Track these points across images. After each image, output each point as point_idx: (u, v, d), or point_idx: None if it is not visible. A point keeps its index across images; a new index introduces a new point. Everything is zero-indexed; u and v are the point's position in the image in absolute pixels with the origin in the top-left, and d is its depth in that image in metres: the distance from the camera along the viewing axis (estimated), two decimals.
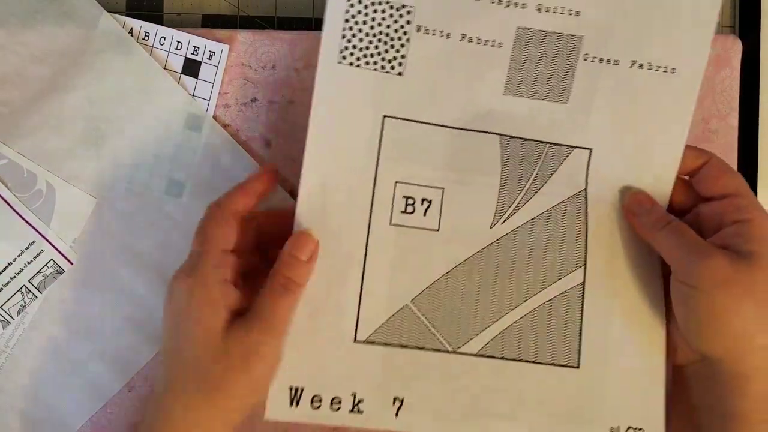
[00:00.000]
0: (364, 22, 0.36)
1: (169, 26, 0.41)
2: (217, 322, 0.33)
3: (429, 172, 0.37)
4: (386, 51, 0.36)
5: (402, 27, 0.36)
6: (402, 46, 0.36)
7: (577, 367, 0.37)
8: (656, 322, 0.38)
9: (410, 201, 0.37)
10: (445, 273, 0.37)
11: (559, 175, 0.38)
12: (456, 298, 0.37)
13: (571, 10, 0.36)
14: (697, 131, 0.41)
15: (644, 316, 0.38)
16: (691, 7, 0.37)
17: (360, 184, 0.37)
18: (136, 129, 0.41)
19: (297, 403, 0.36)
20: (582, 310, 0.37)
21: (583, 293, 0.37)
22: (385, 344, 0.36)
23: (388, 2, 0.36)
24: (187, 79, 0.41)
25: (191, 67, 0.41)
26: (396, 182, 0.37)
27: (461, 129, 0.37)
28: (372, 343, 0.36)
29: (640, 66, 0.37)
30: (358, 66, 0.36)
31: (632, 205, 0.38)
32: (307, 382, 0.36)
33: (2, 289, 0.41)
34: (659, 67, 0.37)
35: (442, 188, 0.37)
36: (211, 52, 0.41)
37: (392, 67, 0.36)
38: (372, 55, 0.36)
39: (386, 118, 0.37)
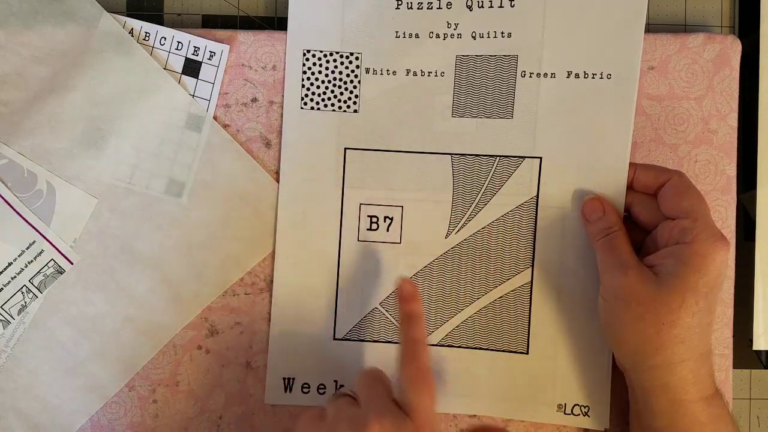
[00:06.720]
0: (320, 72, 0.41)
1: (169, 26, 0.41)
2: None
3: (389, 193, 0.41)
4: (341, 93, 0.41)
5: (353, 71, 0.41)
6: (355, 87, 0.41)
7: (527, 353, 0.41)
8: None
9: (374, 219, 0.42)
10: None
11: (511, 184, 0.41)
12: None
13: (503, 33, 0.40)
14: (697, 131, 0.41)
15: (589, 312, 0.40)
16: (617, 13, 0.39)
17: (329, 209, 0.41)
18: (136, 129, 0.41)
19: (290, 390, 0.42)
20: (530, 305, 0.41)
21: (531, 290, 0.41)
22: (360, 340, 0.42)
23: (338, 52, 0.41)
24: (188, 80, 0.41)
25: (192, 68, 0.41)
26: (360, 204, 0.41)
27: (415, 152, 0.41)
28: (348, 340, 0.42)
29: (576, 75, 0.40)
30: (318, 109, 0.41)
31: (585, 211, 0.39)
32: (297, 373, 0.42)
33: (3, 288, 0.41)
34: (594, 74, 0.40)
35: (401, 206, 0.41)
36: (211, 52, 0.41)
37: (348, 107, 0.41)
38: (329, 98, 0.41)
39: (347, 150, 0.41)
